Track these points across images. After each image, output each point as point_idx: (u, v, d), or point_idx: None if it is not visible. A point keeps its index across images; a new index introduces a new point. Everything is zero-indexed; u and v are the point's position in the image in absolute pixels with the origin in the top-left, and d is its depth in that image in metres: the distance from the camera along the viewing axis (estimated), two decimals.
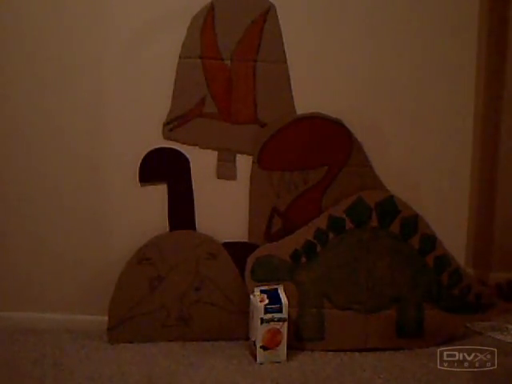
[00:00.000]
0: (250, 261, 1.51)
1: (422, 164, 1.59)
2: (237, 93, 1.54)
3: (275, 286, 1.47)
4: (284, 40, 1.53)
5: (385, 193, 1.54)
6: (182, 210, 1.57)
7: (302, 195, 1.56)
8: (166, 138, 1.55)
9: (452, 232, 1.56)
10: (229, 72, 1.54)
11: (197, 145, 1.56)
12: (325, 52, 1.55)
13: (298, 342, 1.49)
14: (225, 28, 1.52)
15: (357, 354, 1.47)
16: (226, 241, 1.56)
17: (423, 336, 1.51)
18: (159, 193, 1.56)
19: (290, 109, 1.55)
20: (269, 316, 1.41)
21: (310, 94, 1.54)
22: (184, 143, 1.55)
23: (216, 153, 1.56)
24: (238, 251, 1.54)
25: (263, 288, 1.46)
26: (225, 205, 1.57)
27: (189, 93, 1.53)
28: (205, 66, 1.53)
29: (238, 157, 1.56)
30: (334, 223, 1.51)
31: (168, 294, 1.54)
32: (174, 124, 1.54)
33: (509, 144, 1.89)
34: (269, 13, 1.52)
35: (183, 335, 1.54)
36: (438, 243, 1.53)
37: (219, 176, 1.57)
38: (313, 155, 1.55)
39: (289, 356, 1.44)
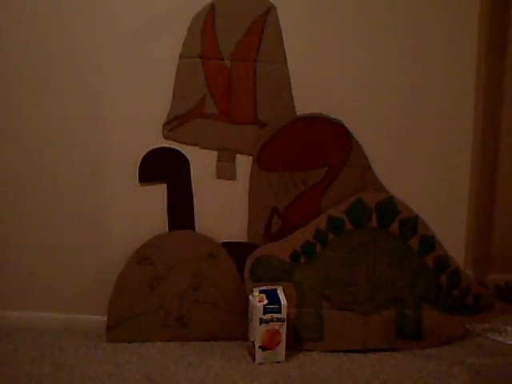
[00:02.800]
0: (250, 261, 1.51)
1: (422, 165, 1.59)
2: (237, 93, 1.54)
3: (274, 287, 1.47)
4: (284, 40, 1.53)
5: (384, 193, 1.54)
6: (181, 210, 1.57)
7: (301, 196, 1.56)
8: (166, 137, 1.55)
9: (451, 233, 1.56)
10: (229, 72, 1.54)
11: (197, 145, 1.55)
12: (325, 52, 1.55)
13: (296, 343, 1.49)
14: (225, 28, 1.52)
15: (356, 354, 1.47)
16: (226, 241, 1.56)
17: (422, 337, 1.51)
18: (159, 193, 1.56)
19: (290, 109, 1.55)
20: (268, 316, 1.41)
21: (310, 94, 1.54)
22: (184, 143, 1.55)
23: (216, 153, 1.56)
24: (237, 251, 1.54)
25: (262, 288, 1.46)
26: (224, 205, 1.57)
27: (189, 93, 1.53)
28: (205, 65, 1.53)
29: (238, 157, 1.56)
30: (333, 224, 1.51)
31: (167, 293, 1.54)
32: (173, 124, 1.54)
33: (509, 145, 1.89)
34: (269, 13, 1.52)
35: (182, 335, 1.54)
36: (438, 244, 1.53)
37: (219, 176, 1.57)
38: (312, 156, 1.55)
39: (287, 356, 1.44)
